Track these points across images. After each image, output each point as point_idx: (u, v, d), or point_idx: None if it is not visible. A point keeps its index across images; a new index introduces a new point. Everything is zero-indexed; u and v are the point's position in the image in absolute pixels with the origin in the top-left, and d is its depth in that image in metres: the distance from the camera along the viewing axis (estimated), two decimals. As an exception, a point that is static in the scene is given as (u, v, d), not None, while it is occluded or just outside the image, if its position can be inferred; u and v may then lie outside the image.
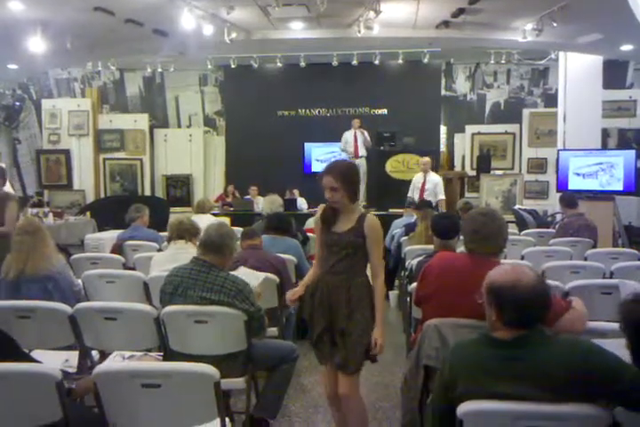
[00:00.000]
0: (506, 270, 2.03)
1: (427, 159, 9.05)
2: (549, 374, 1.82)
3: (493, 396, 1.86)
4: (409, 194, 8.90)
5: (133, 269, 4.62)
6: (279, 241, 4.78)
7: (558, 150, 8.88)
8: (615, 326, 2.05)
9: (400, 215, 7.68)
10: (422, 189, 8.75)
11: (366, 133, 10.19)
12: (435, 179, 8.91)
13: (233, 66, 11.01)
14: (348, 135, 10.26)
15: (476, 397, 1.89)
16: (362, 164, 10.27)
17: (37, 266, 3.44)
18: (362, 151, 10.23)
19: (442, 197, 8.73)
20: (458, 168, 11.75)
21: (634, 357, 1.88)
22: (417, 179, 8.95)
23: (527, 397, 1.83)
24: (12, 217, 4.87)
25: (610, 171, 7.95)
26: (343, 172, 2.83)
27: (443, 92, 11.82)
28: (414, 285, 3.19)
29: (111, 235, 6.12)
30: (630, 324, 1.89)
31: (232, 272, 3.23)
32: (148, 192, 11.97)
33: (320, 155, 11.67)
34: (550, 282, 2.92)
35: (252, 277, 3.41)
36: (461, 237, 2.95)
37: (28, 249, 3.46)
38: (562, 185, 8.30)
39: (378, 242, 2.88)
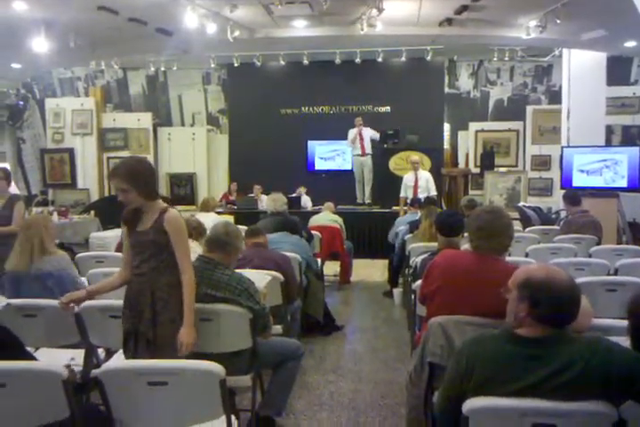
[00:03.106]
0: (540, 267, 1.99)
1: (416, 157, 9.12)
2: (571, 375, 1.80)
3: (511, 394, 1.84)
4: (401, 194, 8.93)
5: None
6: (288, 237, 5.11)
7: (562, 147, 8.85)
8: (620, 323, 2.04)
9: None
10: (415, 187, 8.79)
11: (370, 130, 10.24)
12: (425, 175, 8.97)
13: (236, 64, 11.02)
14: (353, 134, 10.28)
15: (490, 393, 1.86)
16: (368, 161, 10.29)
17: (31, 262, 3.52)
18: (368, 149, 10.24)
19: (434, 192, 8.77)
20: (461, 165, 11.73)
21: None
22: (408, 177, 8.98)
23: (546, 396, 1.81)
24: (19, 217, 5.01)
25: (614, 168, 7.93)
26: (130, 171, 2.70)
27: (446, 89, 11.81)
28: (419, 282, 3.19)
29: (116, 233, 6.14)
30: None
31: (238, 270, 3.24)
32: (152, 191, 11.98)
33: (323, 153, 11.69)
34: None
35: (257, 278, 3.41)
36: (466, 235, 2.94)
37: (21, 246, 3.58)
38: (566, 182, 8.28)
39: (180, 237, 2.74)
